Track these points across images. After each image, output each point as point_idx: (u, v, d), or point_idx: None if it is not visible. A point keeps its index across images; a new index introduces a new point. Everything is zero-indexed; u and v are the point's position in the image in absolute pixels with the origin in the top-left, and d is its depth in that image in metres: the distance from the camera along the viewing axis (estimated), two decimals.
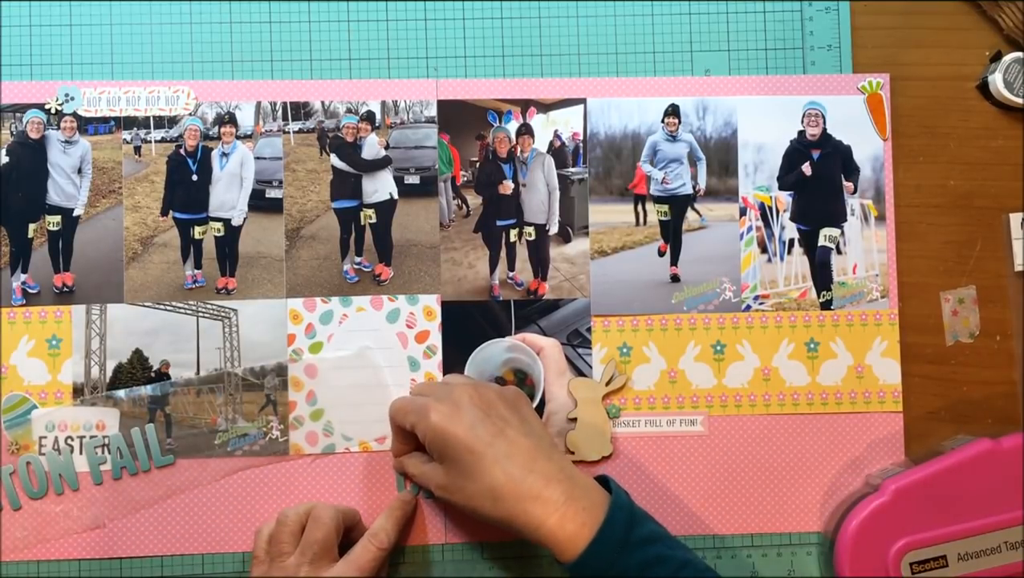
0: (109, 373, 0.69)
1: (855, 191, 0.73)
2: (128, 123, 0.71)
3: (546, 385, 0.70)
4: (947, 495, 0.65)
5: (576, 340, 0.71)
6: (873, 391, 0.71)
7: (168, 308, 0.70)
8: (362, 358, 0.70)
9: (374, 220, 0.72)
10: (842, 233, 0.73)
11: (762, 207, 0.73)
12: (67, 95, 0.71)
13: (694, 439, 0.71)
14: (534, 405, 0.69)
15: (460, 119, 0.72)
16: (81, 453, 0.68)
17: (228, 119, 0.71)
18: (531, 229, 0.72)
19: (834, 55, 0.73)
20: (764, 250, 0.72)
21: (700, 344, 0.71)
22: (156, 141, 0.71)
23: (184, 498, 0.69)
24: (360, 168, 0.72)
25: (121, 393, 0.69)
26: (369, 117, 0.72)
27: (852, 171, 0.73)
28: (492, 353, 0.70)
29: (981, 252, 0.73)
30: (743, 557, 0.70)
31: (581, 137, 0.72)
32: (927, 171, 0.73)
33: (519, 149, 0.73)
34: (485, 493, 0.58)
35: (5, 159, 0.70)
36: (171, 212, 0.71)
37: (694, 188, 0.73)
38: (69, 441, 0.68)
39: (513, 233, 0.72)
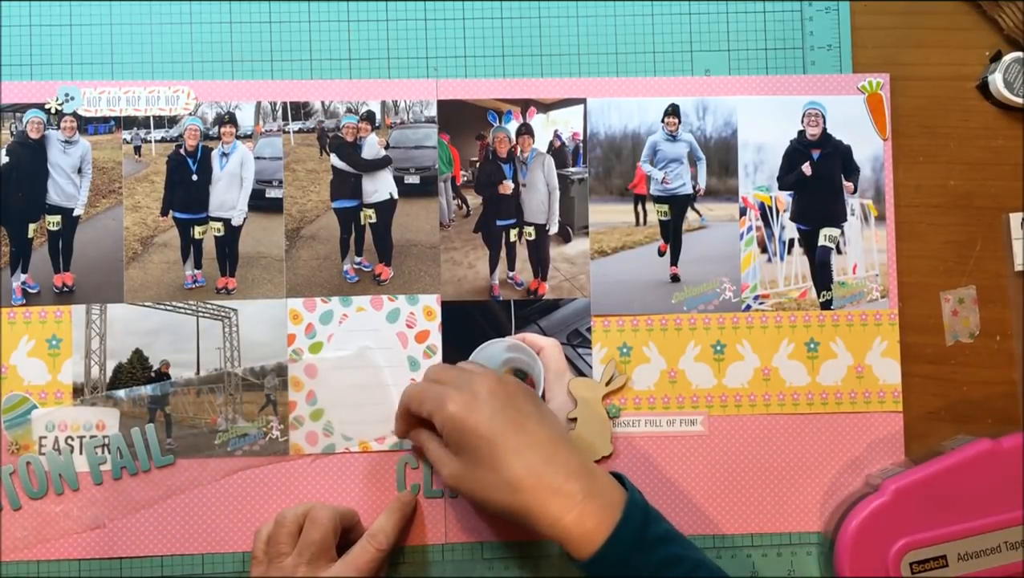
0: (109, 373, 0.69)
1: (855, 191, 0.73)
2: (128, 123, 0.71)
3: (546, 385, 0.70)
4: (947, 495, 0.65)
5: (576, 340, 0.71)
6: (873, 391, 0.71)
7: (168, 308, 0.70)
8: (362, 358, 0.70)
9: (374, 220, 0.72)
10: (842, 233, 0.73)
11: (762, 207, 0.73)
12: (67, 95, 0.71)
13: (694, 439, 0.71)
14: None
15: (460, 119, 0.72)
16: (81, 453, 0.68)
17: (228, 119, 0.71)
18: (531, 229, 0.72)
19: (834, 55, 0.73)
20: (764, 250, 0.72)
21: (700, 344, 0.71)
22: (156, 141, 0.71)
23: (184, 498, 0.69)
24: (360, 168, 0.72)
25: (121, 393, 0.69)
26: (369, 117, 0.72)
27: (852, 171, 0.73)
28: (492, 353, 0.70)
29: (981, 252, 0.73)
30: (743, 557, 0.70)
31: (581, 137, 0.72)
32: (927, 171, 0.73)
33: (519, 149, 0.73)
34: (503, 485, 0.58)
35: (5, 159, 0.70)
36: (171, 212, 0.71)
37: (694, 188, 0.73)
38: (69, 441, 0.68)
39: (513, 233, 0.72)
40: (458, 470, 0.60)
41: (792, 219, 0.73)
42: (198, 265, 0.71)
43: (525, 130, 0.72)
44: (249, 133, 0.72)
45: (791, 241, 0.73)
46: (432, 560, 0.69)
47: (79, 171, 0.71)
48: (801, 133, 0.73)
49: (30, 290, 0.70)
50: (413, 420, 0.65)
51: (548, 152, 0.73)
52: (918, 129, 0.73)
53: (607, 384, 0.70)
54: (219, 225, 0.71)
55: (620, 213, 0.73)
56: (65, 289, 0.70)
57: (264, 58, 0.72)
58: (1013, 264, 0.72)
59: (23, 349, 0.69)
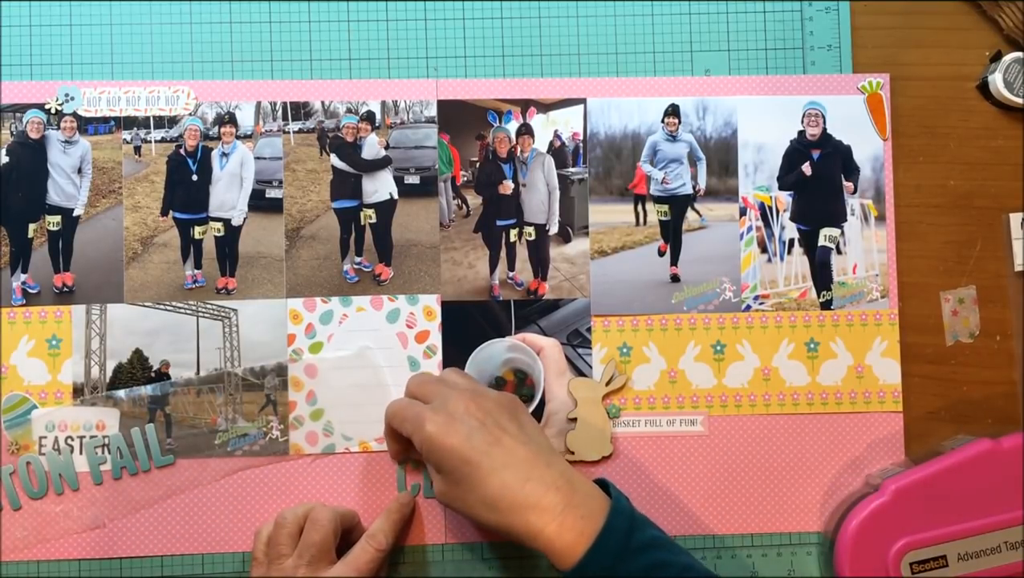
0: (109, 373, 0.69)
1: (855, 191, 0.73)
2: (128, 123, 0.71)
3: (546, 385, 0.70)
4: (947, 495, 0.65)
5: (576, 340, 0.71)
6: (873, 391, 0.71)
7: (168, 308, 0.70)
8: (362, 358, 0.70)
9: (374, 220, 0.72)
10: (842, 233, 0.73)
11: (762, 207, 0.73)
12: (67, 95, 0.71)
13: (694, 439, 0.71)
14: (534, 405, 0.69)
15: (460, 119, 0.72)
16: (81, 453, 0.68)
17: (228, 119, 0.71)
18: (531, 229, 0.72)
19: (834, 55, 0.73)
20: (764, 250, 0.72)
21: (700, 344, 0.71)
22: (156, 141, 0.71)
23: (184, 498, 0.69)
24: (360, 168, 0.72)
25: (121, 393, 0.69)
26: (369, 117, 0.72)
27: (852, 171, 0.73)
28: (492, 353, 0.70)
29: (981, 252, 0.73)
30: (743, 557, 0.70)
31: (581, 137, 0.72)
32: (927, 171, 0.73)
33: (519, 149, 0.73)
34: (482, 503, 0.58)
35: (5, 159, 0.70)
36: (171, 212, 0.71)
37: (694, 188, 0.73)
38: (69, 441, 0.69)
39: (513, 233, 0.72)
40: (443, 488, 0.61)
41: (792, 219, 0.73)
42: (198, 265, 0.71)
43: (525, 130, 0.72)
44: (249, 133, 0.72)
45: (791, 241, 0.73)
46: (432, 560, 0.69)
47: (79, 171, 0.71)
48: (801, 133, 0.73)
49: (30, 290, 0.70)
50: (402, 438, 0.64)
51: (548, 152, 0.73)
52: (918, 129, 0.73)
53: (607, 384, 0.70)
54: (219, 225, 0.71)
55: (620, 213, 0.73)
56: (65, 289, 0.70)
57: (264, 58, 0.72)
58: (1013, 264, 0.72)
59: (23, 349, 0.69)
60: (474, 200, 0.72)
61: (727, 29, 0.73)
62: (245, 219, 0.71)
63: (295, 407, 0.70)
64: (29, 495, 0.68)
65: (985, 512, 0.64)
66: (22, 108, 0.71)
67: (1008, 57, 0.71)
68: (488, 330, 0.71)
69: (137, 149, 0.71)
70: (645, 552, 0.56)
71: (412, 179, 0.72)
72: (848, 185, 0.73)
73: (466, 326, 0.71)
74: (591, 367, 0.71)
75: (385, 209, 0.72)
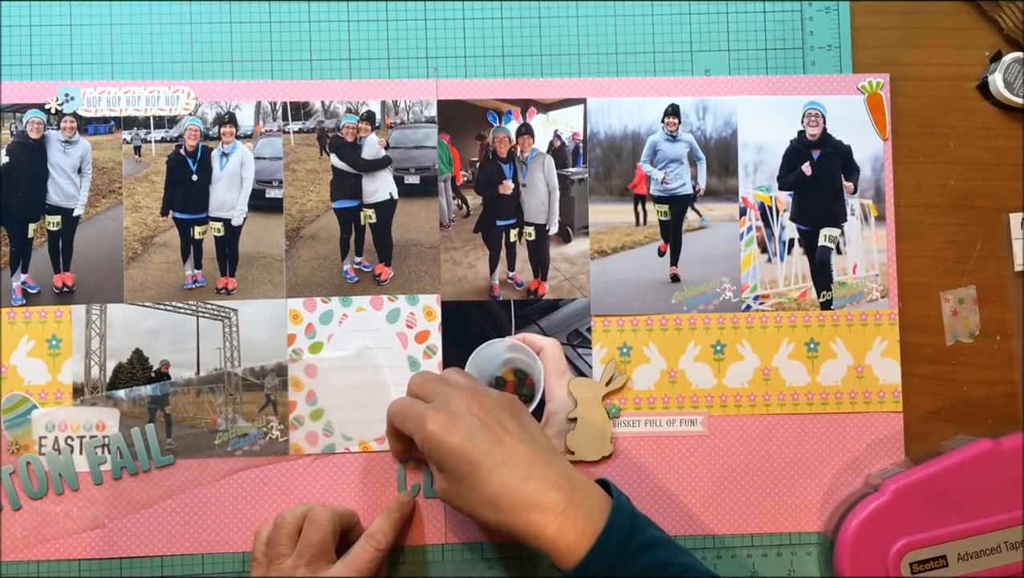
0: (109, 373, 0.69)
1: (855, 191, 0.73)
2: (128, 123, 0.71)
3: (546, 385, 0.70)
4: (947, 495, 0.65)
5: (576, 340, 0.71)
6: (873, 391, 0.71)
7: (168, 308, 0.70)
8: (362, 358, 0.70)
9: (374, 220, 0.72)
10: (842, 233, 0.73)
11: (762, 207, 0.73)
12: (67, 95, 0.71)
13: (694, 439, 0.71)
14: (534, 405, 0.69)
15: (460, 119, 0.72)
16: (81, 453, 0.68)
17: (228, 119, 0.71)
18: (531, 229, 0.72)
19: (834, 55, 0.73)
20: (764, 250, 0.72)
21: (700, 344, 0.71)
22: (156, 141, 0.71)
23: (184, 498, 0.69)
24: (360, 168, 0.72)
25: (121, 393, 0.69)
26: (369, 117, 0.72)
27: (852, 171, 0.73)
28: (492, 353, 0.70)
29: (981, 252, 0.73)
30: (743, 557, 0.70)
31: (581, 137, 0.72)
32: (927, 171, 0.73)
33: (519, 149, 0.73)
34: (483, 502, 0.58)
35: (5, 159, 0.70)
36: (171, 212, 0.71)
37: (694, 188, 0.73)
38: (69, 441, 0.68)
39: (513, 233, 0.72)
40: (444, 486, 0.61)
41: (792, 219, 0.73)
42: (198, 265, 0.71)
43: (525, 130, 0.72)
44: (249, 133, 0.72)
45: (791, 241, 0.73)
46: (432, 560, 0.69)
47: (79, 171, 0.71)
48: (801, 133, 0.73)
49: (30, 290, 0.70)
50: (404, 437, 0.64)
51: (548, 152, 0.73)
52: (918, 129, 0.73)
53: (607, 384, 0.70)
54: (219, 225, 0.71)
55: (620, 213, 0.73)
56: (65, 289, 0.70)
57: (264, 58, 0.72)
58: (1013, 264, 0.72)
59: (23, 349, 0.69)
60: (474, 200, 0.72)
61: (727, 29, 0.73)
62: (245, 219, 0.71)
63: (295, 407, 0.70)
64: (29, 495, 0.68)
65: (985, 512, 0.64)
66: (22, 108, 0.71)
67: (1008, 57, 0.71)
68: (488, 330, 0.71)
69: (137, 149, 0.71)
70: (646, 552, 0.56)
71: (412, 179, 0.72)
72: (848, 185, 0.73)
73: (466, 326, 0.71)
74: (591, 367, 0.71)
75: (385, 209, 0.72)
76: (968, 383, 0.72)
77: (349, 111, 0.72)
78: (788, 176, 0.73)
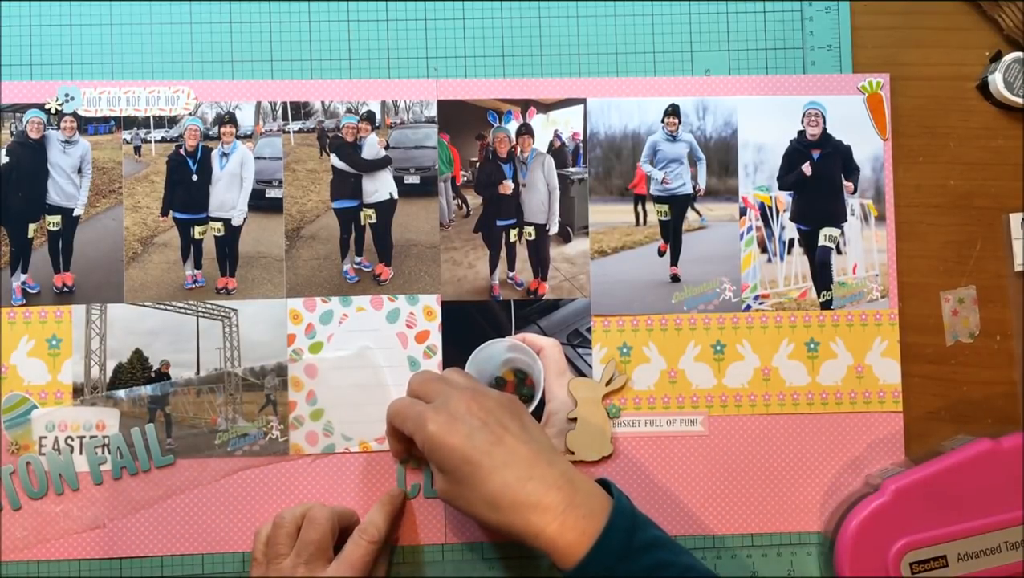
0: (109, 373, 0.69)
1: (855, 191, 0.73)
2: (128, 123, 0.71)
3: (546, 385, 0.70)
4: (947, 495, 0.65)
5: (576, 340, 0.71)
6: (873, 391, 0.71)
7: (168, 308, 0.70)
8: (362, 358, 0.70)
9: (374, 220, 0.72)
10: (842, 233, 0.73)
11: (762, 207, 0.73)
12: (67, 95, 0.71)
13: (694, 439, 0.71)
14: (534, 405, 0.69)
15: (460, 119, 0.72)
16: (81, 453, 0.68)
17: (228, 119, 0.71)
18: (531, 229, 0.72)
19: (834, 55, 0.73)
20: (764, 250, 0.72)
21: (700, 344, 0.71)
22: (156, 141, 0.71)
23: (184, 498, 0.69)
24: (360, 168, 0.72)
25: (121, 393, 0.69)
26: (369, 117, 0.72)
27: (852, 171, 0.73)
28: (492, 353, 0.70)
29: (981, 252, 0.73)
30: (743, 557, 0.70)
31: (581, 137, 0.72)
32: (927, 171, 0.73)
33: (519, 149, 0.73)
34: (483, 502, 0.58)
35: (5, 159, 0.70)
36: (171, 212, 0.71)
37: (694, 188, 0.73)
38: (69, 441, 0.68)
39: (513, 233, 0.72)
40: (444, 486, 0.60)
41: (792, 219, 0.73)
42: (198, 265, 0.71)
43: (525, 130, 0.72)
44: (249, 133, 0.72)
45: (791, 241, 0.73)
46: (432, 560, 0.69)
47: (79, 171, 0.71)
48: (801, 133, 0.73)
49: (30, 290, 0.70)
50: (404, 437, 0.64)
51: (548, 152, 0.73)
52: (918, 129, 0.73)
53: (607, 384, 0.70)
54: (219, 225, 0.71)
55: (620, 213, 0.73)
56: (65, 289, 0.70)
57: (264, 58, 0.72)
58: (1013, 264, 0.72)
59: (23, 349, 0.69)
60: (474, 200, 0.72)
61: (727, 29, 0.73)
62: (245, 219, 0.71)
63: (295, 407, 0.70)
64: (29, 495, 0.68)
65: (985, 512, 0.64)
66: (22, 108, 0.71)
67: (1008, 57, 0.71)
68: (488, 330, 0.71)
69: (137, 149, 0.71)
70: (647, 552, 0.56)
71: (412, 179, 0.72)
72: (848, 185, 0.73)
73: (466, 326, 0.71)
74: (591, 367, 0.71)
75: (385, 209, 0.72)
76: (968, 383, 0.72)
77: (349, 111, 0.72)
78: (788, 176, 0.73)
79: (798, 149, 0.73)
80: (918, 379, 0.72)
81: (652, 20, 0.73)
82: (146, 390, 0.69)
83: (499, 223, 0.72)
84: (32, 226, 0.70)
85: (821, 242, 0.73)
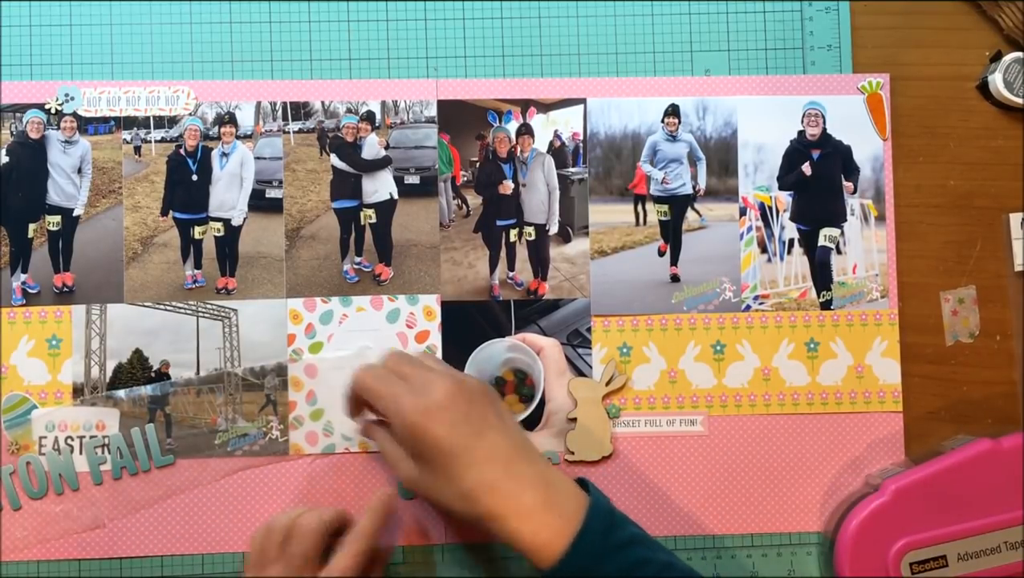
0: (109, 373, 0.69)
1: (855, 191, 0.73)
2: (128, 123, 0.71)
3: (546, 385, 0.70)
4: (947, 495, 0.65)
5: (576, 340, 0.71)
6: (873, 391, 0.71)
7: (168, 308, 0.70)
8: (362, 358, 0.70)
9: (374, 220, 0.72)
10: (842, 233, 0.73)
11: (762, 207, 0.73)
12: (67, 95, 0.71)
13: (694, 439, 0.71)
14: (534, 405, 0.69)
15: (460, 119, 0.72)
16: (81, 453, 0.68)
17: (228, 119, 0.71)
18: (531, 229, 0.72)
19: (834, 55, 0.73)
20: (764, 250, 0.72)
21: (700, 344, 0.71)
22: (156, 141, 0.71)
23: (184, 498, 0.69)
24: (360, 168, 0.72)
25: (121, 393, 0.69)
26: (369, 117, 0.72)
27: (852, 171, 0.73)
28: (492, 353, 0.70)
29: (981, 252, 0.73)
30: (743, 557, 0.70)
31: (581, 137, 0.72)
32: (927, 171, 0.73)
33: (519, 149, 0.73)
34: (459, 496, 0.57)
35: (5, 159, 0.70)
36: (171, 212, 0.71)
37: (694, 188, 0.73)
38: (69, 441, 0.68)
39: (513, 233, 0.72)
40: (415, 475, 0.59)
41: (792, 219, 0.73)
42: (198, 265, 0.71)
43: (525, 130, 0.72)
44: (249, 133, 0.72)
45: (791, 241, 0.73)
46: (432, 560, 0.69)
47: (79, 171, 0.71)
48: (801, 133, 0.73)
49: (30, 290, 0.70)
50: (365, 406, 0.63)
51: (548, 152, 0.73)
52: (918, 129, 0.73)
53: (607, 384, 0.70)
54: (219, 225, 0.71)
55: (620, 213, 0.73)
56: (65, 289, 0.70)
57: (264, 58, 0.72)
58: (1013, 264, 0.72)
59: (23, 349, 0.69)
60: (474, 200, 0.72)
61: (727, 29, 0.73)
62: (245, 219, 0.71)
63: (295, 407, 0.70)
64: (29, 495, 0.68)
65: (985, 512, 0.64)
66: (22, 108, 0.71)
67: (1008, 57, 0.71)
68: (488, 330, 0.71)
69: (137, 149, 0.71)
70: (625, 550, 0.56)
71: (412, 179, 0.72)
72: (848, 185, 0.73)
73: (466, 326, 0.71)
74: (591, 367, 0.71)
75: (385, 209, 0.72)
76: (968, 383, 0.72)
77: (349, 111, 0.72)
78: (788, 176, 0.73)
79: (798, 149, 0.73)
80: (918, 379, 0.72)
81: (652, 20, 0.73)
82: (146, 390, 0.69)
83: (499, 223, 0.72)
84: (32, 226, 0.70)
85: (821, 242, 0.73)
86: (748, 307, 0.72)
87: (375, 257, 0.71)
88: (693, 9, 0.73)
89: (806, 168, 0.73)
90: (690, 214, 0.73)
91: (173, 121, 0.71)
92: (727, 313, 0.72)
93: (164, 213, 0.71)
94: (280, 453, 0.69)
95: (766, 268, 0.72)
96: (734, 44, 0.73)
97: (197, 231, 0.71)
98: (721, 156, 0.73)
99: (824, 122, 0.73)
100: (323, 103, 0.72)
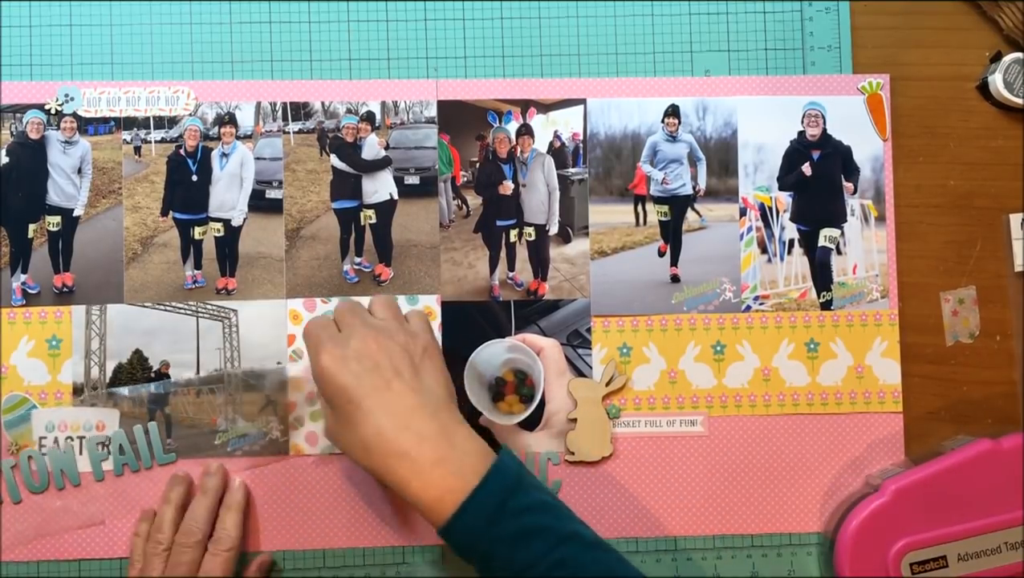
0: (109, 373, 0.69)
1: (855, 191, 0.73)
2: (128, 123, 0.71)
3: (546, 385, 0.70)
4: (947, 495, 0.65)
5: (576, 340, 0.71)
6: (873, 391, 0.71)
7: (168, 308, 0.70)
8: None
9: (374, 220, 0.72)
10: (842, 233, 0.73)
11: (762, 207, 0.73)
12: (67, 95, 0.71)
13: (694, 439, 0.71)
14: (534, 405, 0.69)
15: (460, 119, 0.72)
16: (82, 452, 0.68)
17: (228, 119, 0.71)
18: (531, 229, 0.72)
19: (834, 55, 0.73)
20: (764, 250, 0.72)
21: (700, 344, 0.71)
22: (156, 141, 0.71)
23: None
24: (360, 168, 0.72)
25: (121, 392, 0.69)
26: (369, 117, 0.72)
27: (852, 171, 0.73)
28: (492, 353, 0.70)
29: (981, 252, 0.73)
30: (743, 557, 0.70)
31: (581, 137, 0.72)
32: (927, 171, 0.73)
33: (519, 149, 0.73)
34: (358, 445, 0.57)
35: (5, 159, 0.70)
36: (171, 212, 0.71)
37: (694, 188, 0.73)
38: (69, 441, 0.68)
39: (513, 233, 0.72)
40: (330, 424, 0.60)
41: (792, 219, 0.73)
42: (198, 265, 0.71)
43: (525, 130, 0.72)
44: (249, 133, 0.72)
45: (791, 241, 0.73)
46: (432, 560, 0.69)
47: (79, 171, 0.71)
48: (801, 133, 0.73)
49: (30, 290, 0.70)
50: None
51: (548, 152, 0.73)
52: (918, 129, 0.73)
53: (607, 384, 0.70)
54: (219, 225, 0.71)
55: (620, 213, 0.73)
56: (65, 289, 0.70)
57: (264, 58, 0.72)
58: (1013, 264, 0.72)
59: (23, 349, 0.69)
60: (474, 200, 0.72)
61: (727, 29, 0.73)
62: (245, 219, 0.71)
63: (295, 407, 0.70)
64: (30, 489, 0.68)
65: (985, 512, 0.64)
66: (22, 108, 0.71)
67: (1008, 57, 0.71)
68: (488, 330, 0.71)
69: (137, 149, 0.71)
70: (521, 516, 0.55)
71: (412, 179, 0.72)
72: (848, 185, 0.73)
73: (466, 326, 0.71)
74: (591, 367, 0.71)
75: (385, 209, 0.72)
76: (968, 383, 0.72)
77: (349, 111, 0.72)
78: (788, 176, 0.73)
79: (798, 149, 0.73)
80: (918, 379, 0.72)
81: (652, 20, 0.73)
82: (146, 390, 0.69)
83: (499, 223, 0.72)
84: (32, 226, 0.70)
85: (821, 242, 0.73)
86: (748, 307, 0.72)
87: (375, 257, 0.71)
88: (693, 9, 0.73)
89: (806, 168, 0.73)
90: (690, 214, 0.73)
91: (173, 121, 0.71)
92: (727, 313, 0.72)
93: (164, 213, 0.71)
94: (280, 453, 0.69)
95: (766, 268, 0.72)
96: (734, 44, 0.73)
97: (197, 231, 0.71)
98: (721, 156, 0.73)
99: (824, 122, 0.73)
100: (323, 103, 0.72)
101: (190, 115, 0.71)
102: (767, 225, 0.73)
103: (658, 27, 0.73)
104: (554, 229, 0.72)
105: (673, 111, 0.72)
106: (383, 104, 0.72)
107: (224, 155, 0.71)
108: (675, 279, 0.72)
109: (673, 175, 0.73)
